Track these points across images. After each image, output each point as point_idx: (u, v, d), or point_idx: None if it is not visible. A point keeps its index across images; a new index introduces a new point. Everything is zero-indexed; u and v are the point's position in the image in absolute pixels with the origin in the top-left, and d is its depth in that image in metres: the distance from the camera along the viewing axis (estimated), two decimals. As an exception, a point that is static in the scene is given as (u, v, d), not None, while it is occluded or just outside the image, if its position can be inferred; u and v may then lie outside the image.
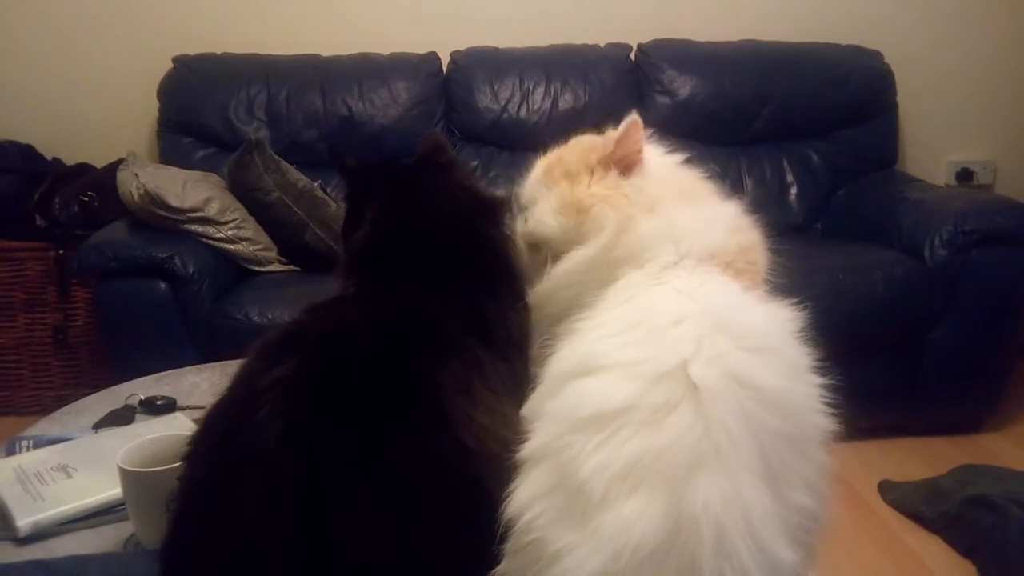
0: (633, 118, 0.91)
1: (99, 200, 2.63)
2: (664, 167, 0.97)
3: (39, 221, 2.64)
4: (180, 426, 1.32)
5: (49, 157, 2.98)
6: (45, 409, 1.63)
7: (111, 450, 1.06)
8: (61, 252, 2.62)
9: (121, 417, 1.41)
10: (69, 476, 1.17)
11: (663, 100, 2.99)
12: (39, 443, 1.29)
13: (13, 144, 2.92)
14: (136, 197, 2.39)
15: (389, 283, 0.95)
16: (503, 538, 0.72)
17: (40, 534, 1.07)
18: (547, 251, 0.94)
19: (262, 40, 3.03)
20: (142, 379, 1.58)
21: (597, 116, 2.81)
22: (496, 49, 3.05)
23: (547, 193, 0.96)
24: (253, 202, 2.58)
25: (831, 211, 2.99)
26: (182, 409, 1.44)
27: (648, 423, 0.69)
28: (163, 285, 2.29)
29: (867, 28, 3.10)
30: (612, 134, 0.94)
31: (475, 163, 2.95)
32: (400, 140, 2.86)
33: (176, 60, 2.94)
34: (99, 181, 2.69)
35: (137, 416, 1.42)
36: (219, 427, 0.79)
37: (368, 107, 2.92)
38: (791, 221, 2.93)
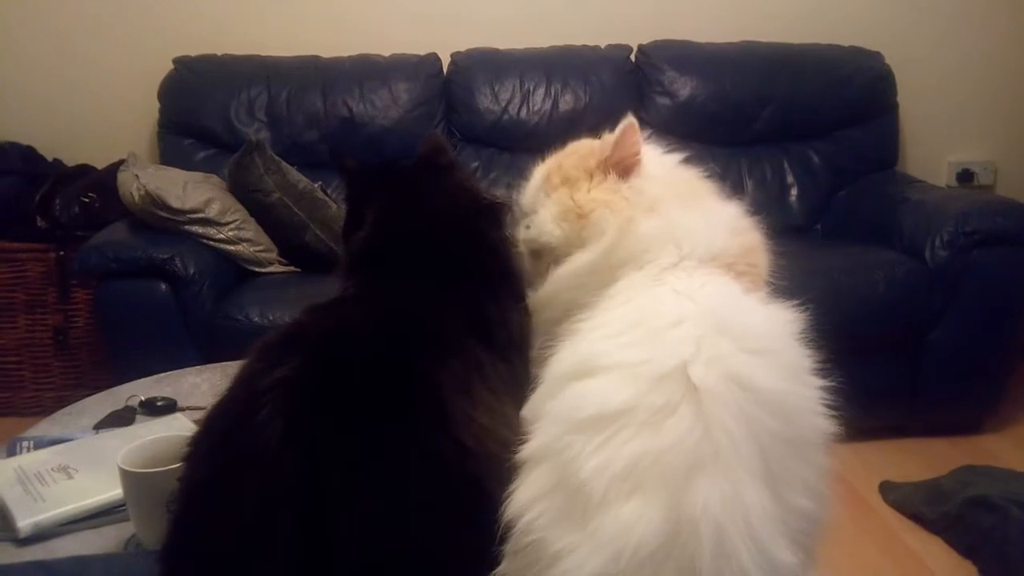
0: (629, 120, 0.92)
1: (100, 201, 2.64)
2: (663, 167, 0.97)
3: (40, 222, 2.64)
4: (180, 427, 1.32)
5: (50, 158, 2.98)
6: (46, 410, 1.63)
7: (112, 451, 1.06)
8: (62, 253, 2.62)
9: (122, 418, 1.41)
10: (70, 477, 1.17)
11: (663, 101, 2.99)
12: (40, 444, 1.29)
13: (14, 145, 2.92)
14: (137, 198, 2.39)
15: (389, 284, 0.95)
16: (503, 539, 0.72)
17: (41, 535, 1.07)
18: (549, 257, 0.95)
19: (263, 41, 3.04)
20: (142, 380, 1.58)
21: (597, 117, 2.85)
22: (496, 50, 3.05)
23: (547, 200, 0.96)
24: (254, 203, 2.58)
25: (832, 212, 2.99)
26: (182, 410, 1.44)
27: (648, 424, 0.69)
28: (164, 286, 2.29)
29: (867, 29, 3.10)
30: (609, 137, 0.94)
31: (475, 164, 2.95)
32: (401, 141, 2.87)
33: (177, 61, 2.94)
34: (100, 182, 2.70)
35: (138, 417, 1.42)
36: (219, 428, 0.79)
37: (369, 108, 2.92)
38: (792, 222, 2.93)
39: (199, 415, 1.05)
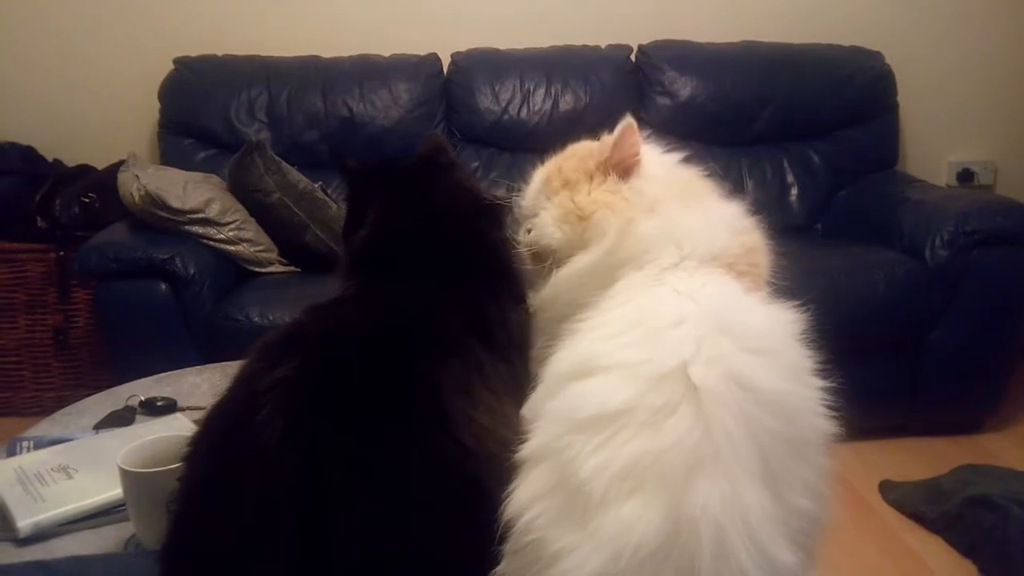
0: (628, 121, 0.91)
1: (100, 201, 2.64)
2: (663, 167, 0.97)
3: (40, 222, 2.64)
4: (180, 427, 1.32)
5: (50, 158, 2.98)
6: (46, 410, 1.63)
7: (111, 451, 1.06)
8: (62, 253, 2.62)
9: (121, 418, 1.41)
10: (70, 477, 1.17)
11: (664, 101, 2.99)
12: (40, 444, 1.29)
13: (14, 146, 2.92)
14: (137, 198, 2.39)
15: (390, 284, 0.95)
16: (503, 538, 0.72)
17: (41, 535, 1.07)
18: (551, 259, 0.94)
19: (263, 41, 3.04)
20: (142, 380, 1.58)
21: (598, 117, 2.85)
22: (497, 50, 3.05)
23: (548, 203, 0.96)
24: (254, 203, 2.58)
25: (832, 212, 2.99)
26: (182, 410, 1.44)
27: (648, 424, 0.69)
28: (164, 286, 2.29)
29: (868, 29, 3.10)
30: (608, 139, 0.94)
31: (475, 164, 2.95)
32: (401, 141, 2.87)
33: (177, 61, 2.95)
34: (100, 182, 2.70)
35: (137, 417, 1.42)
36: (219, 428, 0.79)
37: (369, 108, 2.92)
38: (792, 222, 2.93)
39: (199, 415, 1.05)
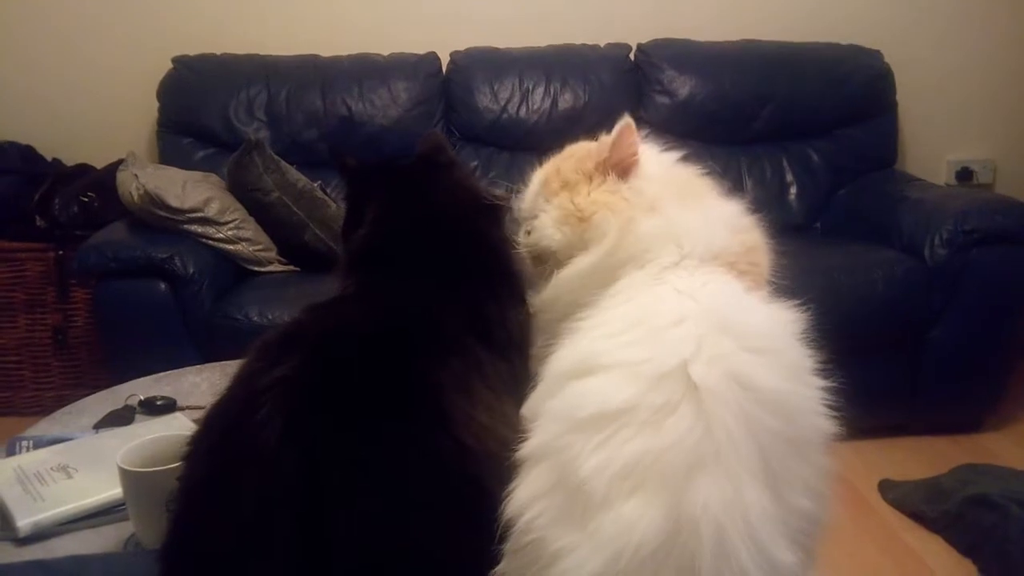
0: (625, 121, 0.91)
1: (99, 201, 2.64)
2: (662, 166, 0.96)
3: (39, 222, 2.64)
4: (180, 426, 1.32)
5: (49, 158, 2.98)
6: (45, 409, 1.63)
7: (111, 450, 1.06)
8: (61, 253, 2.62)
9: (121, 417, 1.41)
10: (69, 476, 1.17)
11: (663, 100, 2.99)
12: (39, 443, 1.29)
13: (13, 145, 2.92)
14: (136, 198, 2.39)
15: (389, 283, 0.95)
16: (503, 538, 0.72)
17: (40, 534, 1.07)
18: (551, 261, 0.94)
19: (262, 40, 3.03)
20: (142, 379, 1.58)
21: (597, 116, 2.85)
22: (496, 49, 3.05)
23: (547, 205, 0.96)
24: (253, 202, 2.58)
25: (831, 211, 2.99)
26: (182, 409, 1.44)
27: (649, 423, 0.69)
28: (163, 285, 2.29)
29: (867, 28, 3.10)
30: (606, 139, 0.94)
31: (475, 163, 2.95)
32: (400, 140, 2.87)
33: (176, 60, 2.94)
34: (99, 182, 2.70)
35: (137, 416, 1.42)
36: (219, 427, 0.79)
37: (368, 107, 2.92)
38: (791, 221, 2.93)
39: (198, 414, 1.05)
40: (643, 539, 0.65)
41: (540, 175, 1.00)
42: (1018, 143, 3.28)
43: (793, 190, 3.01)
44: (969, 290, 2.38)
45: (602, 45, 3.07)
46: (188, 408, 1.44)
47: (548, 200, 0.96)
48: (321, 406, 0.75)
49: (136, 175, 2.41)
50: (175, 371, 1.62)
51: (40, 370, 2.72)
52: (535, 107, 2.97)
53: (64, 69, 3.04)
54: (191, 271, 2.30)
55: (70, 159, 2.98)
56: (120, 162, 2.53)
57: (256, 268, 2.55)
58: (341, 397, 0.76)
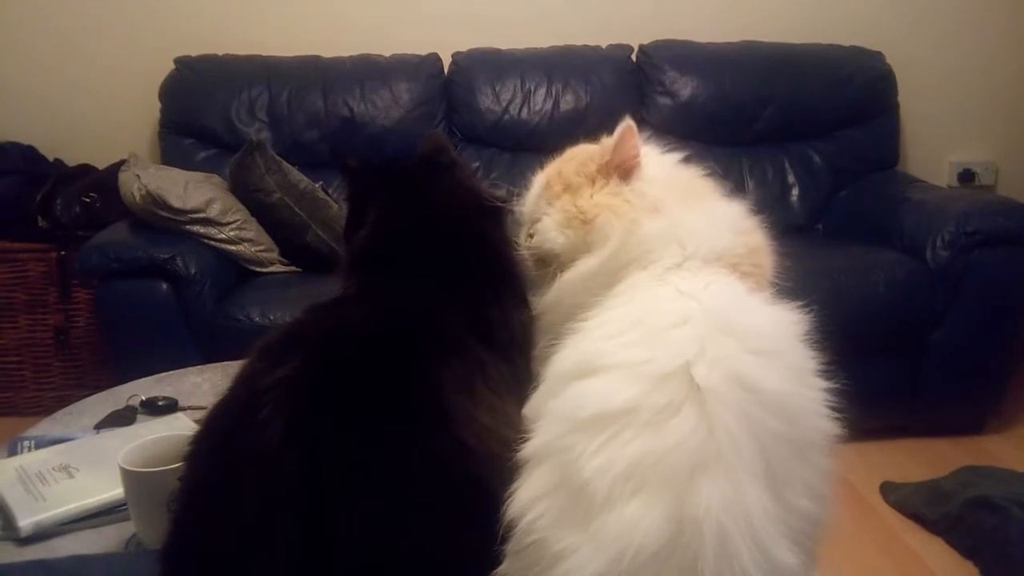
0: (627, 123, 0.91)
1: (101, 201, 2.64)
2: (664, 167, 0.96)
3: (41, 222, 2.64)
4: (181, 426, 1.32)
5: (51, 158, 2.98)
6: (47, 410, 1.63)
7: (112, 450, 1.06)
8: (63, 253, 2.62)
9: (122, 417, 1.41)
10: (71, 476, 1.17)
11: (664, 101, 2.99)
12: (41, 443, 1.29)
13: (15, 145, 2.92)
14: (138, 198, 2.39)
15: (391, 283, 0.95)
16: (504, 538, 0.72)
17: (42, 534, 1.07)
18: (554, 263, 0.94)
19: (264, 41, 3.04)
20: (143, 380, 1.58)
21: (598, 117, 2.85)
22: (497, 50, 3.05)
23: (550, 208, 0.96)
24: (255, 203, 2.58)
25: (832, 212, 2.99)
26: (183, 410, 1.44)
27: (651, 424, 0.69)
28: (165, 286, 2.29)
29: (868, 29, 3.10)
30: (608, 141, 0.94)
31: (476, 164, 2.95)
32: (401, 141, 2.87)
33: (178, 61, 2.95)
34: (101, 182, 2.70)
35: (138, 417, 1.42)
36: (220, 427, 0.79)
37: (369, 108, 2.92)
38: (792, 222, 2.93)
39: (200, 415, 1.05)
40: (645, 540, 0.65)
41: (542, 178, 1.00)
42: (1020, 144, 3.27)
43: (795, 191, 3.01)
44: (971, 292, 2.38)
45: (604, 46, 3.07)
46: (189, 408, 1.44)
47: (551, 203, 0.96)
48: (323, 407, 0.75)
49: (138, 176, 2.41)
50: (176, 371, 1.62)
51: (42, 370, 2.72)
52: (537, 108, 2.97)
53: (66, 70, 3.04)
54: (193, 272, 2.30)
55: (72, 160, 2.98)
56: (122, 163, 2.53)
57: (258, 269, 2.55)
58: (343, 398, 0.76)
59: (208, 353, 2.19)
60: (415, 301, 0.90)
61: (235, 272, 2.50)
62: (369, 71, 2.97)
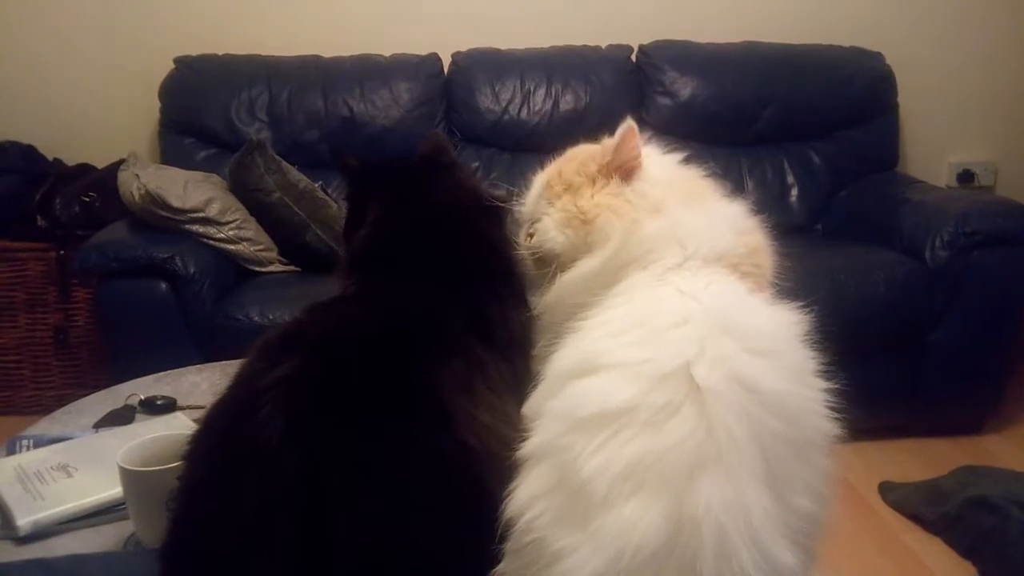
0: (628, 124, 0.91)
1: (100, 200, 2.64)
2: (664, 168, 0.96)
3: (40, 221, 2.64)
4: (180, 426, 1.32)
5: (50, 157, 2.98)
6: (46, 409, 1.63)
7: (111, 449, 1.06)
8: (62, 252, 2.62)
9: (121, 417, 1.41)
10: (69, 475, 1.17)
11: (664, 101, 2.99)
12: (39, 442, 1.29)
13: (14, 144, 2.92)
14: (137, 197, 2.39)
15: (390, 283, 0.95)
16: (503, 538, 0.72)
17: (40, 533, 1.07)
18: (554, 264, 0.94)
19: (263, 41, 3.04)
20: (142, 379, 1.58)
21: (598, 117, 2.86)
22: (497, 50, 3.05)
23: (550, 208, 0.95)
24: (254, 203, 2.58)
25: (832, 212, 2.99)
26: (182, 409, 1.44)
27: (650, 424, 0.69)
28: (164, 285, 2.29)
29: (868, 29, 3.10)
30: (609, 142, 0.94)
31: (476, 164, 2.95)
32: (401, 141, 2.87)
33: (177, 61, 2.95)
34: (100, 181, 2.70)
35: (137, 416, 1.42)
36: (219, 426, 0.79)
37: (369, 108, 2.93)
38: (792, 222, 2.93)
39: (199, 414, 1.05)
40: (644, 540, 0.64)
41: (542, 178, 1.00)
42: (1019, 145, 3.28)
43: (794, 192, 3.01)
44: (970, 292, 2.38)
45: (603, 46, 3.07)
46: (188, 408, 1.44)
47: (551, 203, 0.96)
48: (322, 406, 0.75)
49: (137, 175, 2.41)
50: (175, 371, 1.62)
51: (41, 369, 2.72)
52: (536, 108, 2.97)
53: (65, 69, 3.04)
54: (192, 271, 2.30)
55: (71, 159, 2.98)
56: (121, 162, 2.53)
57: (257, 268, 2.55)
58: (342, 397, 0.76)
59: (207, 352, 2.19)
60: (415, 301, 0.90)
61: (234, 271, 2.50)
62: (369, 71, 2.97)
